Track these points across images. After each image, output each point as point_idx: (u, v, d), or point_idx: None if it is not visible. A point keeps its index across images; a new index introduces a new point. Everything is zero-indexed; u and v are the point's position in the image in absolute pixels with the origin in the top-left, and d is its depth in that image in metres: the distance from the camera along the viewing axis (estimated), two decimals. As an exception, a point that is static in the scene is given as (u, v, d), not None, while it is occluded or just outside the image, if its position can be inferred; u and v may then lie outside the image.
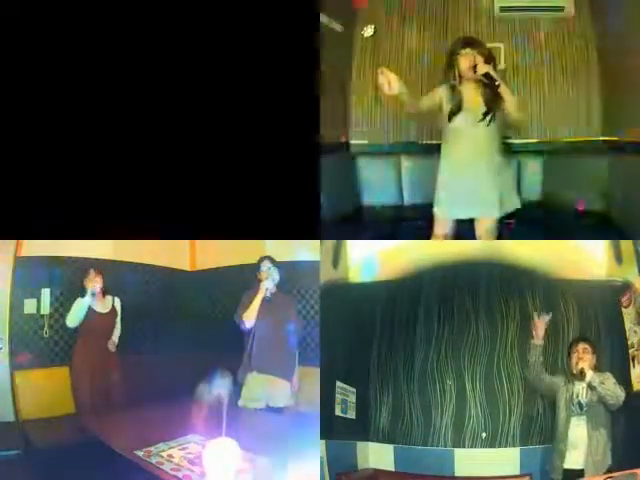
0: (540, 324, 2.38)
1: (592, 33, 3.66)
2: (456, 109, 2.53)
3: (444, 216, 2.68)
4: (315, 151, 2.30)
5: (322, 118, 2.34)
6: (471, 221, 2.67)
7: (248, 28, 2.23)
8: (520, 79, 3.77)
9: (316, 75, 2.29)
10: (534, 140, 3.80)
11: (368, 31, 3.74)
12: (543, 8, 3.70)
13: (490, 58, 2.50)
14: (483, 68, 2.42)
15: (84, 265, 3.30)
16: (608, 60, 3.55)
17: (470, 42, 2.53)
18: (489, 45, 3.67)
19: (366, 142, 3.91)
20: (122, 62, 2.20)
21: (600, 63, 3.65)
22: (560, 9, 3.67)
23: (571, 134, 3.76)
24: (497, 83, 2.42)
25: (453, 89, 2.55)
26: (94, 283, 3.06)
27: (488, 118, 2.47)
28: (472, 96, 2.52)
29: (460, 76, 2.52)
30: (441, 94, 2.58)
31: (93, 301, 3.06)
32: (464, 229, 2.69)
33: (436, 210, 2.69)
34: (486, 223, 2.63)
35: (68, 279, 3.38)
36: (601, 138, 3.68)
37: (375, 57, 3.90)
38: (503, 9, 3.75)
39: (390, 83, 2.38)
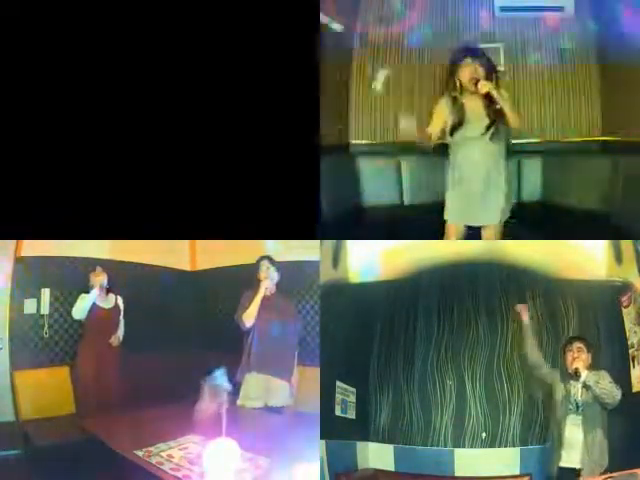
0: (524, 309, 2.43)
1: (592, 33, 3.67)
2: (458, 123, 2.46)
3: (454, 223, 2.62)
4: (315, 151, 2.30)
5: (322, 118, 2.34)
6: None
7: (248, 28, 2.23)
8: (520, 79, 3.78)
9: (316, 75, 2.29)
10: (534, 140, 3.81)
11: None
12: (543, 8, 3.70)
13: (491, 69, 2.43)
14: (484, 87, 2.36)
15: (86, 264, 3.35)
16: (608, 60, 3.55)
17: (470, 52, 2.46)
18: (489, 45, 3.79)
19: (366, 142, 3.91)
20: (123, 63, 2.20)
21: (600, 63, 3.65)
22: (560, 9, 3.67)
23: (571, 134, 3.76)
24: (499, 107, 2.37)
25: (454, 100, 2.46)
26: (100, 278, 3.15)
27: (492, 131, 2.42)
28: (474, 108, 2.45)
29: (461, 87, 2.44)
30: (444, 109, 2.49)
31: (98, 295, 3.14)
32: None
33: (447, 218, 2.64)
34: (493, 229, 2.60)
35: (72, 277, 3.43)
36: (601, 138, 3.68)
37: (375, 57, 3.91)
38: (503, 9, 3.76)
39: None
